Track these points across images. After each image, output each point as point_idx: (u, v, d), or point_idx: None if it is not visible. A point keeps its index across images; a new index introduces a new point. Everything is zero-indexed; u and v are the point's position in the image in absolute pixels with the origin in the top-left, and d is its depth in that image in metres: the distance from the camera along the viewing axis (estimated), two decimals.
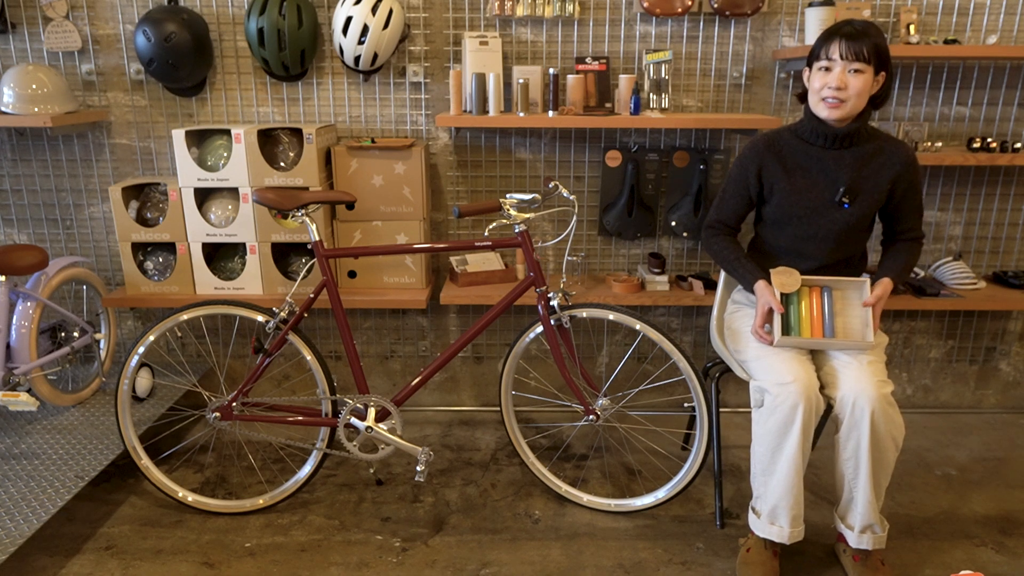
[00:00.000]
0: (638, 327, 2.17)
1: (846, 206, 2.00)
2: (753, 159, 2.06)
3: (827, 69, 1.90)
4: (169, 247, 2.70)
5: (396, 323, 2.97)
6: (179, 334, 2.98)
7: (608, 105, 2.66)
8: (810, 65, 1.97)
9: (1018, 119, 2.73)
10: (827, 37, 1.91)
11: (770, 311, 1.98)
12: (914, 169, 2.00)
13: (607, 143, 2.77)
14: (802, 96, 2.04)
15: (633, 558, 2.10)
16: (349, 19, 2.46)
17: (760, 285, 2.01)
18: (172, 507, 2.34)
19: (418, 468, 2.19)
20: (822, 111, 1.94)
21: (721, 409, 3.06)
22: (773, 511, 1.92)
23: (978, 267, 2.90)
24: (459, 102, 2.55)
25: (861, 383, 1.84)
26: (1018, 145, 2.56)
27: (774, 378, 1.88)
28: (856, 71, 1.87)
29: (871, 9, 2.58)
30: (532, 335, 2.30)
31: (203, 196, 2.62)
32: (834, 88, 1.89)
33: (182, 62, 2.54)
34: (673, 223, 2.79)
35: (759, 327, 2.00)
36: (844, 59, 1.87)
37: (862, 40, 1.86)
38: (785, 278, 2.00)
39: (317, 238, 2.20)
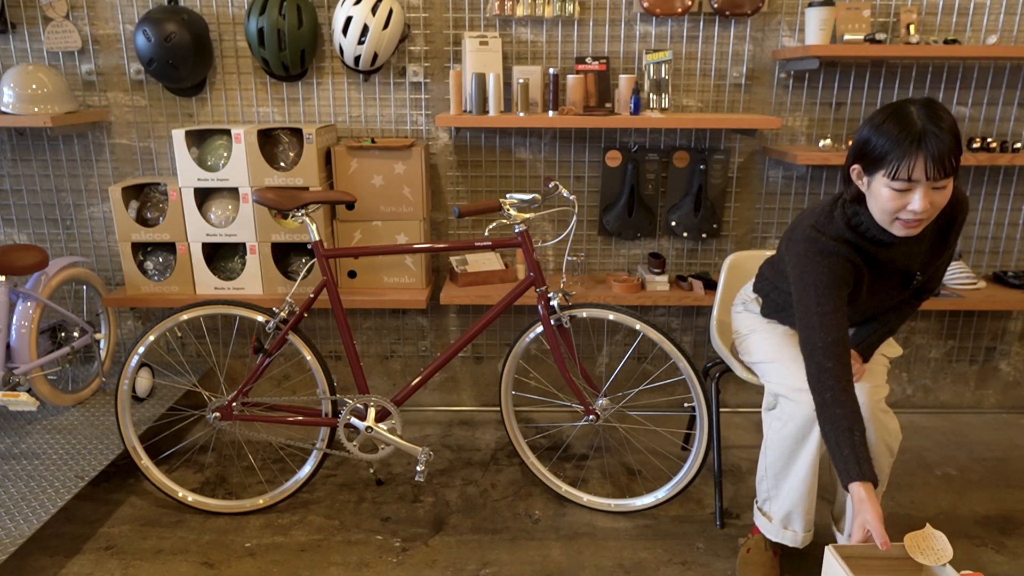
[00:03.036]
0: (638, 327, 2.17)
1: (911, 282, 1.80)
2: (838, 259, 1.67)
3: (903, 190, 1.54)
4: (169, 247, 2.70)
5: (396, 323, 2.97)
6: (179, 334, 2.98)
7: (608, 105, 2.66)
8: (866, 167, 1.59)
9: (1018, 119, 2.73)
10: (904, 147, 1.50)
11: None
12: (963, 219, 1.75)
13: (607, 143, 2.76)
14: (857, 197, 1.66)
15: (633, 558, 2.10)
16: (349, 19, 2.46)
17: (861, 490, 1.55)
18: (172, 507, 2.34)
19: (418, 468, 2.19)
20: (897, 230, 1.60)
21: (721, 409, 3.06)
22: (787, 516, 1.90)
23: (978, 267, 2.90)
24: (459, 102, 2.55)
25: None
26: (1018, 145, 2.56)
27: (792, 383, 1.83)
28: (940, 188, 1.53)
29: (871, 9, 2.58)
30: (532, 335, 2.30)
31: (203, 196, 2.62)
32: (916, 212, 1.54)
33: (182, 62, 2.54)
34: (673, 223, 2.79)
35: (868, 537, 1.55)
36: (930, 179, 1.50)
37: (948, 149, 1.48)
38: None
39: (317, 238, 2.20)
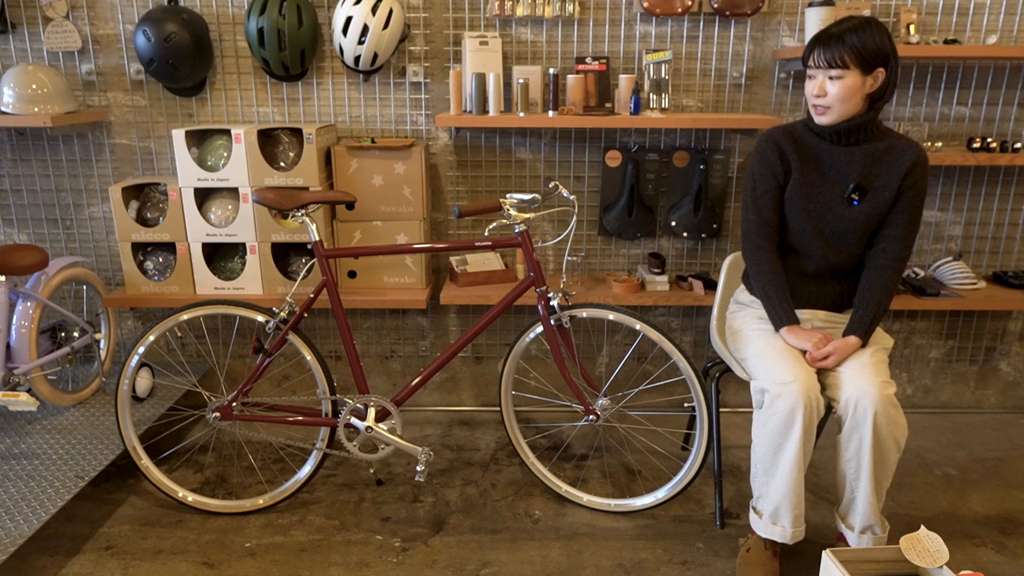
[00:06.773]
0: (638, 327, 2.17)
1: (855, 203, 1.96)
2: (772, 145, 2.00)
3: (811, 77, 1.91)
4: (169, 247, 2.70)
5: (396, 323, 2.97)
6: (179, 334, 2.98)
7: (608, 105, 2.66)
8: None
9: (1018, 119, 2.73)
10: (811, 42, 1.89)
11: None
12: (923, 171, 1.94)
13: (607, 143, 2.76)
14: None
15: (633, 558, 2.10)
16: (349, 19, 2.46)
17: (788, 331, 1.97)
18: (172, 507, 2.34)
19: (418, 468, 2.19)
20: (813, 116, 1.96)
21: (721, 409, 3.06)
22: (775, 511, 1.92)
23: (978, 267, 2.90)
24: (459, 102, 2.55)
25: (864, 384, 1.84)
26: (1018, 145, 2.56)
27: (775, 377, 1.87)
28: (835, 78, 1.86)
29: (871, 9, 2.58)
30: (532, 335, 2.30)
31: (203, 196, 2.62)
32: (815, 96, 1.90)
33: (182, 62, 2.54)
34: (673, 223, 2.79)
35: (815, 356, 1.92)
36: (818, 67, 1.87)
37: (837, 45, 1.83)
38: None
39: (317, 238, 2.20)
